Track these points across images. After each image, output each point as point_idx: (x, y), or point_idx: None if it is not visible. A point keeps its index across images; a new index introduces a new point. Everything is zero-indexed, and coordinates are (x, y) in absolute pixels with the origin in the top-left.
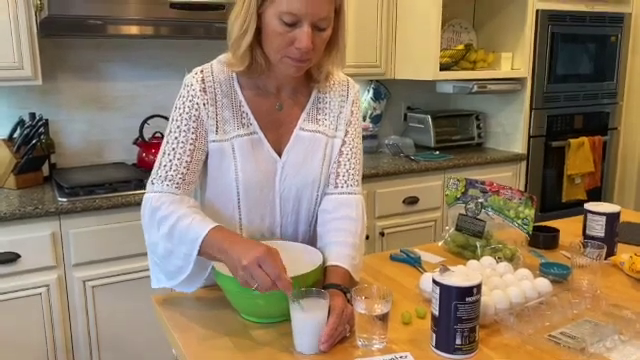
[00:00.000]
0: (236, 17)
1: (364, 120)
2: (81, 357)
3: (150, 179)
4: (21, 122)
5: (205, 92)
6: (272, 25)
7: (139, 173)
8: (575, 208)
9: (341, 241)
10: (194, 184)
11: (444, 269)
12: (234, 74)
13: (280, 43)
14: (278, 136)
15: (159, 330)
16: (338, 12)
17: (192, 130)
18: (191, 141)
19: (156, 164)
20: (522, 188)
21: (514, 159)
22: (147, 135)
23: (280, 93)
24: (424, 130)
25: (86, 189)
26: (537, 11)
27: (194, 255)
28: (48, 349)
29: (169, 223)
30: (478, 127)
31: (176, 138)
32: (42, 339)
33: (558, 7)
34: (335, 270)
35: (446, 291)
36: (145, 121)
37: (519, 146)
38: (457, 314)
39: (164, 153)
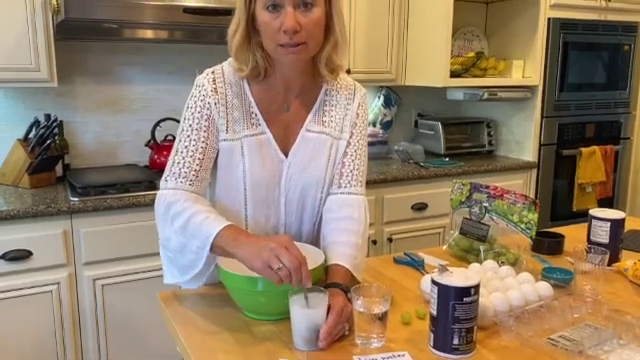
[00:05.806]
0: (232, 22)
1: (374, 126)
2: (90, 354)
3: (163, 177)
4: (36, 123)
5: (216, 92)
6: (261, 17)
7: (150, 174)
8: (586, 217)
9: (343, 241)
10: (206, 181)
11: (443, 269)
12: None
13: (270, 32)
14: (285, 136)
15: (168, 329)
16: None
17: (204, 128)
18: (203, 139)
19: (169, 162)
20: (533, 196)
21: (525, 167)
22: (159, 138)
23: (288, 94)
24: (434, 137)
25: (98, 189)
26: (549, 19)
27: (207, 248)
28: (57, 345)
29: (184, 217)
30: (489, 135)
31: (188, 136)
32: (52, 336)
33: (570, 16)
34: (336, 269)
35: (444, 291)
36: (157, 124)
37: (530, 154)
38: (455, 314)
39: (177, 151)
